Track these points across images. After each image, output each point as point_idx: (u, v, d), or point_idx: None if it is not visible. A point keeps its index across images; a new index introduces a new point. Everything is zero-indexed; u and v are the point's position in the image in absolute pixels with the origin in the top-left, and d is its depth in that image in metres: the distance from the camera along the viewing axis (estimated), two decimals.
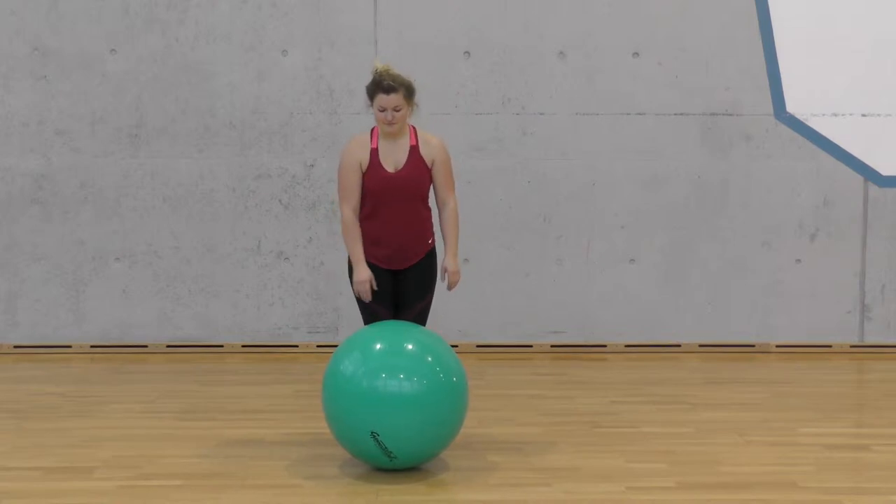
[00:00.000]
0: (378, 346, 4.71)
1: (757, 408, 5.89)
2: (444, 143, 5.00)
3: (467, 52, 7.08)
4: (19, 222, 7.11)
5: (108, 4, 6.99)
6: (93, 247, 7.12)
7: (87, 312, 7.16)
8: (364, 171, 4.89)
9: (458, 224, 5.03)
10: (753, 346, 7.29)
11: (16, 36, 7.01)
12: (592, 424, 5.54)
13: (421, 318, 5.03)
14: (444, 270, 5.01)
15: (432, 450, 4.72)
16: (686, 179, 7.19)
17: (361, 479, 4.68)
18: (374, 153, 4.89)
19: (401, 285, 5.00)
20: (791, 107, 7.11)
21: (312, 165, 7.11)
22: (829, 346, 7.29)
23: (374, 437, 4.53)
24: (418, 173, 4.91)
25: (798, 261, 7.24)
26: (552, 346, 7.24)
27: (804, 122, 7.10)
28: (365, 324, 5.03)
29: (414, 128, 4.96)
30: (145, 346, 7.18)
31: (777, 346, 7.29)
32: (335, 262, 6.95)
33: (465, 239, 6.89)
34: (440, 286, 5.10)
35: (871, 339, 7.30)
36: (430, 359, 4.66)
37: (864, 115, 7.08)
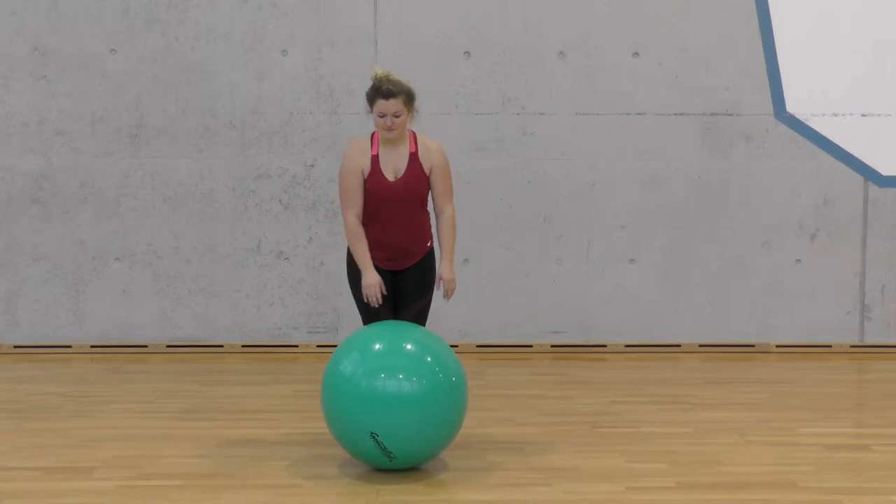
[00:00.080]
0: (377, 347, 4.71)
1: (757, 408, 5.89)
2: (443, 150, 4.99)
3: (467, 52, 7.08)
4: (19, 222, 7.11)
5: (108, 4, 7.00)
6: (93, 247, 7.12)
7: (87, 312, 7.16)
8: (365, 177, 4.88)
9: (456, 232, 5.01)
10: (753, 346, 7.29)
11: (16, 36, 7.01)
12: (592, 424, 5.54)
13: (420, 319, 5.03)
14: (440, 278, 5.00)
15: (432, 450, 4.72)
16: (686, 179, 7.19)
17: (361, 479, 4.68)
18: (375, 160, 4.88)
19: (400, 286, 5.00)
20: (791, 107, 7.11)
21: (312, 165, 7.11)
22: (829, 346, 7.29)
23: (374, 437, 4.53)
24: (417, 181, 4.91)
25: (798, 261, 7.24)
26: (552, 346, 7.24)
27: (804, 122, 7.10)
28: (364, 324, 5.03)
29: (414, 134, 4.95)
30: (145, 346, 7.18)
31: (777, 346, 7.29)
32: (335, 262, 6.95)
33: (465, 239, 6.89)
34: (437, 294, 5.10)
35: (871, 339, 7.30)
36: (429, 359, 4.66)
37: (864, 115, 7.08)
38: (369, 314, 4.99)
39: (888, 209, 7.22)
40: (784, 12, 7.04)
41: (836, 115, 7.09)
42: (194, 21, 7.01)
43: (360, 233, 4.90)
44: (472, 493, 4.53)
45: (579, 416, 5.68)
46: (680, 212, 7.20)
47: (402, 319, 4.97)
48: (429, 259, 5.04)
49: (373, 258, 4.94)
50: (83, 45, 7.01)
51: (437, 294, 5.11)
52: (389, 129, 4.82)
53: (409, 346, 4.70)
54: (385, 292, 4.92)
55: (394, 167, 4.89)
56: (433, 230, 5.07)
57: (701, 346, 7.27)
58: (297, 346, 7.20)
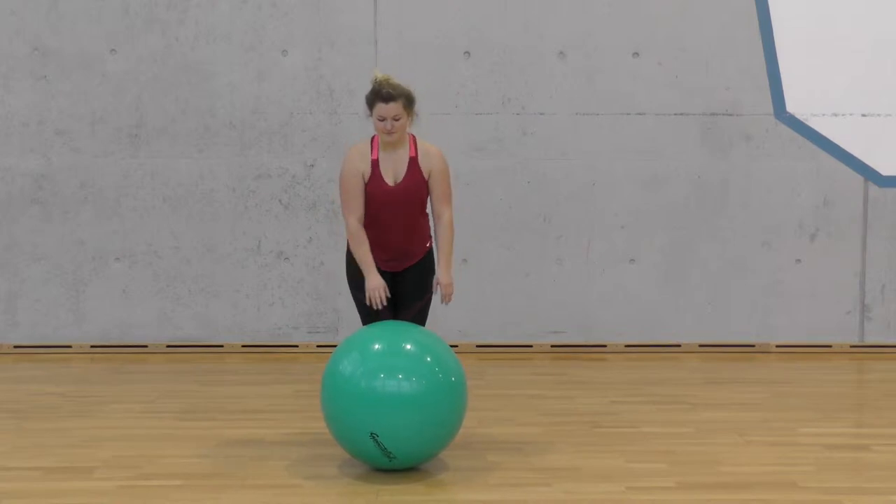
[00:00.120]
0: (377, 347, 4.71)
1: (757, 408, 5.89)
2: (443, 154, 4.97)
3: (467, 52, 7.08)
4: (19, 222, 7.11)
5: (108, 4, 7.00)
6: (93, 247, 7.12)
7: (87, 312, 7.16)
8: (366, 182, 4.88)
9: (453, 237, 5.00)
10: (753, 346, 7.29)
11: (16, 36, 7.01)
12: (592, 424, 5.54)
13: (420, 318, 5.03)
14: (438, 283, 4.99)
15: (431, 450, 4.72)
16: (686, 179, 7.19)
17: (361, 479, 4.68)
18: (375, 164, 4.88)
19: (399, 286, 5.00)
20: (791, 107, 7.11)
21: (312, 165, 7.11)
22: (829, 346, 7.29)
23: (374, 437, 4.53)
24: (417, 186, 4.90)
25: (798, 261, 7.24)
26: (552, 346, 7.24)
27: (804, 122, 7.10)
28: (363, 324, 5.03)
29: (414, 137, 4.94)
30: (145, 346, 7.18)
31: (777, 346, 7.29)
32: (335, 262, 6.95)
33: (464, 239, 6.91)
34: (436, 295, 5.09)
35: (871, 339, 7.30)
36: (428, 359, 4.66)
37: (864, 115, 7.08)
38: (368, 314, 4.99)
39: (888, 209, 7.22)
40: (784, 12, 7.04)
41: (836, 115, 7.09)
42: (194, 21, 7.02)
43: (362, 236, 4.89)
44: (472, 493, 4.53)
45: (579, 416, 5.68)
46: (680, 212, 7.20)
47: (402, 319, 4.97)
48: (428, 259, 5.04)
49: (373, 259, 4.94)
50: (83, 45, 7.01)
51: (437, 295, 5.11)
52: (389, 133, 4.81)
53: (408, 346, 4.70)
54: (389, 295, 4.91)
55: (394, 172, 4.89)
56: (432, 231, 5.07)
57: (701, 346, 7.27)
58: (297, 346, 7.20)
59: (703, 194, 7.20)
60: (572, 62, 7.10)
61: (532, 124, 7.12)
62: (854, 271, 7.25)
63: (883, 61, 7.06)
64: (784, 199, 7.20)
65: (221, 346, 7.20)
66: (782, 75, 7.08)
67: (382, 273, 4.94)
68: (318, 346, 7.16)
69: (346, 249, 5.10)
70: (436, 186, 4.94)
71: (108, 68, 7.03)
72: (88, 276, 7.14)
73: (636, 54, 7.10)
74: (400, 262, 5.00)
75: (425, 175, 4.91)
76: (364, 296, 4.95)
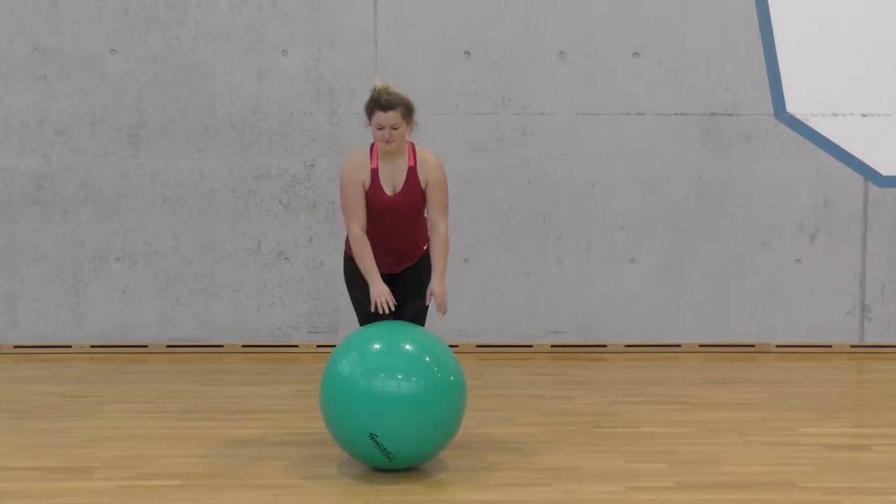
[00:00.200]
0: (376, 347, 4.71)
1: (757, 408, 5.89)
2: (441, 163, 4.95)
3: (467, 52, 7.08)
4: (19, 222, 7.11)
5: (108, 4, 6.99)
6: (93, 247, 7.12)
7: (87, 312, 7.16)
8: (365, 189, 4.87)
9: (448, 249, 4.96)
10: (753, 346, 7.29)
11: (16, 36, 7.01)
12: (592, 424, 5.54)
13: (419, 319, 5.03)
14: (432, 294, 4.98)
15: (431, 450, 4.71)
16: (686, 179, 7.19)
17: (361, 479, 4.68)
18: (375, 174, 4.87)
19: (398, 287, 4.99)
20: (791, 107, 7.11)
21: (312, 165, 7.11)
22: (829, 346, 7.29)
23: (373, 438, 4.53)
24: (415, 196, 4.89)
25: (798, 261, 7.24)
26: (552, 346, 7.24)
27: (804, 122, 7.10)
28: (360, 325, 5.02)
29: (413, 146, 4.93)
30: (145, 346, 7.18)
31: (777, 346, 7.29)
32: (335, 262, 6.94)
33: (465, 239, 6.91)
34: (431, 309, 5.08)
35: (871, 339, 7.30)
36: (427, 359, 4.66)
37: (864, 115, 7.08)
38: (366, 315, 4.98)
39: (888, 209, 7.22)
40: (784, 12, 7.04)
41: (836, 115, 7.08)
42: (194, 21, 7.02)
43: (365, 243, 4.88)
44: (472, 493, 4.53)
45: (579, 416, 5.68)
46: (680, 212, 7.20)
47: (402, 320, 4.97)
48: (426, 260, 5.03)
49: None
50: (83, 45, 7.01)
51: (432, 305, 5.09)
52: (387, 142, 4.79)
53: (407, 346, 4.70)
54: (395, 301, 4.89)
55: (392, 181, 4.88)
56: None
57: (701, 346, 7.27)
58: (297, 346, 7.20)
59: (703, 194, 7.20)
60: (572, 62, 7.10)
61: (532, 124, 7.12)
62: (854, 271, 7.25)
63: (883, 61, 7.06)
64: (784, 199, 7.20)
65: (221, 346, 7.20)
66: (782, 75, 7.08)
67: (382, 276, 4.94)
68: (318, 346, 7.16)
69: (344, 249, 5.10)
70: (433, 196, 4.92)
71: (108, 68, 7.03)
72: (88, 276, 7.14)
73: (636, 54, 7.10)
74: (399, 264, 5.00)
75: (423, 185, 4.90)
76: (361, 295, 4.95)
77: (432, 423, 4.61)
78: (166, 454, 5.01)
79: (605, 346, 7.26)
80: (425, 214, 5.02)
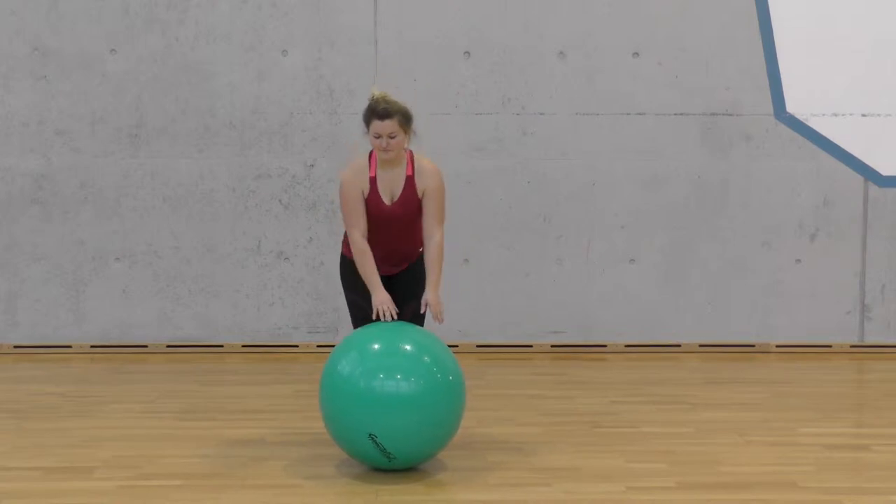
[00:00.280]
0: (375, 347, 4.71)
1: (757, 408, 5.89)
2: (439, 172, 4.93)
3: (467, 52, 7.08)
4: (19, 222, 7.11)
5: (108, 4, 7.00)
6: (93, 247, 7.12)
7: (87, 312, 7.16)
8: (365, 197, 4.87)
9: (442, 259, 4.94)
10: (753, 346, 7.29)
11: (16, 36, 7.01)
12: (592, 424, 5.54)
13: (418, 319, 5.03)
14: (426, 304, 4.96)
15: (430, 450, 4.71)
16: (686, 179, 7.19)
17: (360, 479, 4.68)
18: (373, 182, 4.86)
19: (395, 287, 4.99)
20: (791, 107, 7.11)
21: (312, 165, 7.11)
22: (829, 346, 7.29)
23: (373, 438, 4.53)
24: (412, 206, 4.89)
25: (798, 261, 7.24)
26: (552, 346, 7.24)
27: (804, 122, 7.10)
28: (354, 325, 5.02)
29: (412, 154, 4.92)
30: (145, 346, 7.18)
31: (777, 346, 7.29)
32: (335, 263, 6.87)
33: (465, 239, 6.92)
34: (429, 314, 5.07)
35: (871, 339, 7.30)
36: (426, 359, 4.66)
37: (864, 115, 7.08)
38: (362, 318, 4.96)
39: (888, 209, 7.22)
40: (784, 12, 7.04)
41: (836, 115, 7.08)
42: (194, 21, 7.02)
43: (367, 250, 4.87)
44: (472, 493, 4.53)
45: (579, 416, 5.68)
46: (680, 212, 7.20)
47: (401, 320, 4.96)
48: (422, 260, 5.03)
49: None
50: (83, 45, 7.01)
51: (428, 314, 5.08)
52: (385, 150, 4.78)
53: (406, 346, 4.70)
54: (397, 309, 4.87)
55: (390, 190, 4.87)
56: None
57: (701, 346, 7.27)
58: (297, 346, 7.20)
59: (703, 194, 7.20)
60: (572, 62, 7.10)
61: (532, 124, 7.12)
62: (854, 271, 7.25)
63: (883, 61, 7.06)
64: (784, 199, 7.20)
65: (221, 346, 7.20)
66: (782, 75, 7.08)
67: (380, 277, 4.93)
68: (318, 346, 7.16)
69: (340, 249, 5.10)
70: (429, 205, 4.90)
71: (108, 68, 7.03)
72: (88, 276, 7.14)
73: (636, 54, 7.10)
74: (397, 265, 5.01)
75: (419, 194, 4.89)
76: (356, 296, 4.96)
77: (432, 424, 4.61)
78: (166, 454, 5.01)
79: (605, 346, 7.26)
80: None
